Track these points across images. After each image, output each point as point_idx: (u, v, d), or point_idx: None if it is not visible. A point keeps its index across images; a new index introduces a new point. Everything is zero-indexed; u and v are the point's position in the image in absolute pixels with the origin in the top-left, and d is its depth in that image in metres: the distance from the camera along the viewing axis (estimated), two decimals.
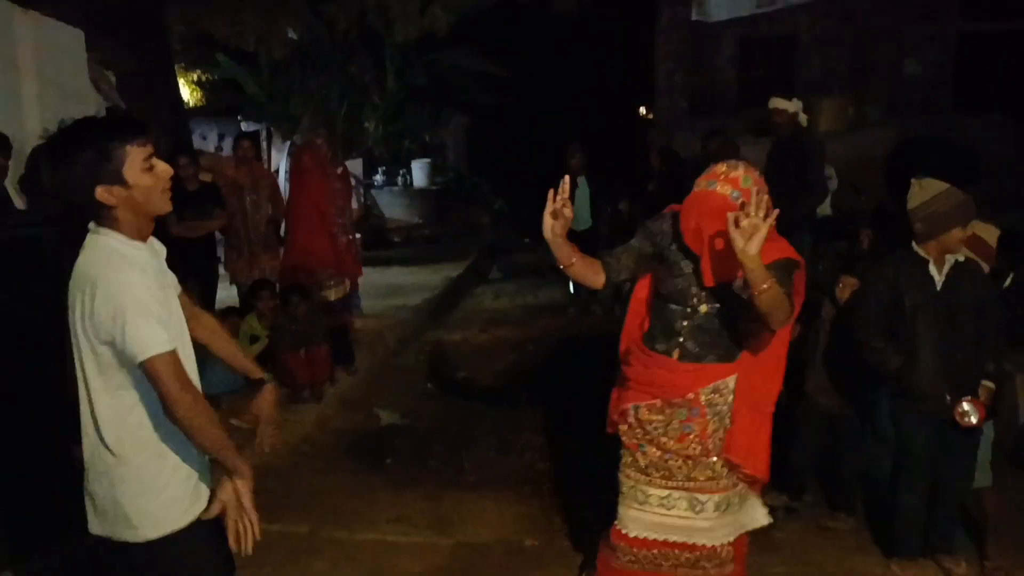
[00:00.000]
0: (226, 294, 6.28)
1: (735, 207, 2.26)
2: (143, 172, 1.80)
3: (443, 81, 12.62)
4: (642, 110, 17.16)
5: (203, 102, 12.84)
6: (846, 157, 7.25)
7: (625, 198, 7.35)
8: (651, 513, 2.69)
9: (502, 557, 3.35)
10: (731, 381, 2.62)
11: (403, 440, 4.67)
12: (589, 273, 2.71)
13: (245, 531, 1.86)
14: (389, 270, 8.99)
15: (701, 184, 2.45)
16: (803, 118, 6.10)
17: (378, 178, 13.14)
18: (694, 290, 2.58)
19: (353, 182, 6.98)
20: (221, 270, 6.19)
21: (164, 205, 1.86)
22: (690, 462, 2.63)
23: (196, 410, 1.75)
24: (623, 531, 2.73)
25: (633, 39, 12.93)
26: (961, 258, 3.02)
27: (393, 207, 12.68)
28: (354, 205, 6.75)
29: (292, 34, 10.56)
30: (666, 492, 2.67)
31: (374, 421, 4.95)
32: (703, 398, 2.61)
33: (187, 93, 11.97)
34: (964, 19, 10.62)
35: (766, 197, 2.28)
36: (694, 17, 10.71)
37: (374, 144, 12.75)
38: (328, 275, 5.35)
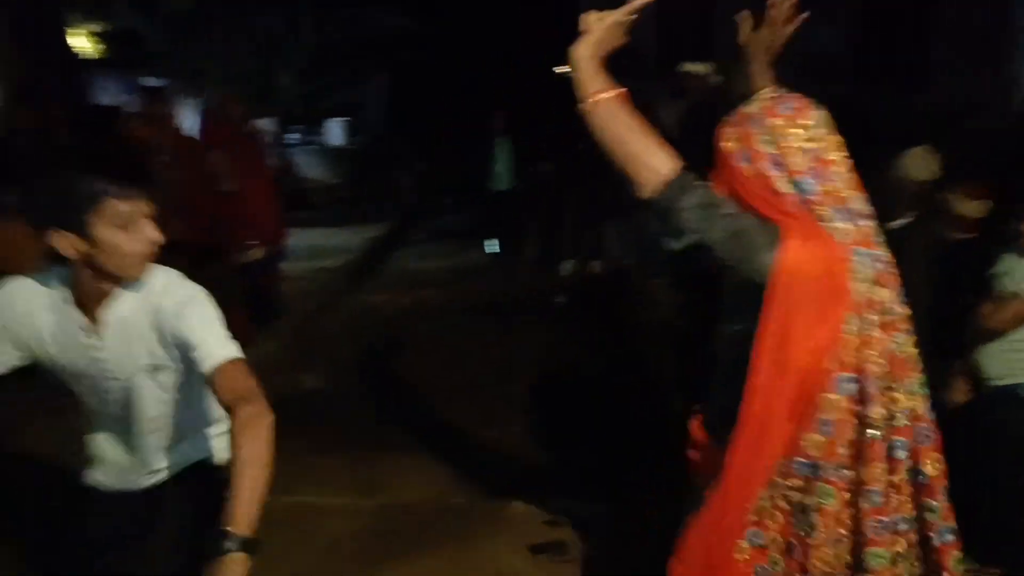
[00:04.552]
0: None
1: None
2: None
3: (361, 38, 12.31)
4: (567, 68, 17.12)
5: (104, 55, 12.15)
6: None
7: (547, 159, 7.38)
8: None
9: (428, 516, 3.38)
10: None
11: (326, 404, 4.63)
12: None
13: None
14: (309, 231, 8.80)
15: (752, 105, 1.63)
16: (717, 80, 6.18)
17: (293, 136, 12.79)
18: None
19: (267, 140, 6.78)
20: None
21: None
22: None
23: None
24: None
25: None
26: None
27: (310, 167, 12.39)
28: (270, 165, 6.57)
29: None
30: None
31: (297, 385, 4.89)
32: None
33: (87, 44, 11.30)
34: None
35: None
36: None
37: (288, 101, 12.37)
38: (245, 236, 5.22)
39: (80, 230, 1.59)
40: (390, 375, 5.07)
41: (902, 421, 1.52)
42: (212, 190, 5.19)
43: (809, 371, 1.46)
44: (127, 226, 1.62)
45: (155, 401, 1.83)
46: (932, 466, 1.57)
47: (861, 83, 10.49)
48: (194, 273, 2.28)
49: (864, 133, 2.07)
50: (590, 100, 1.57)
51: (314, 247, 8.11)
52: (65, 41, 7.48)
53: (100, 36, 12.09)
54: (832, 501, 1.54)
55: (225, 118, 5.47)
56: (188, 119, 9.97)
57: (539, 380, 4.85)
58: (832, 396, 1.49)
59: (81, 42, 10.90)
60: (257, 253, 5.33)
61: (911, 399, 1.53)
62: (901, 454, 1.53)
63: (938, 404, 2.82)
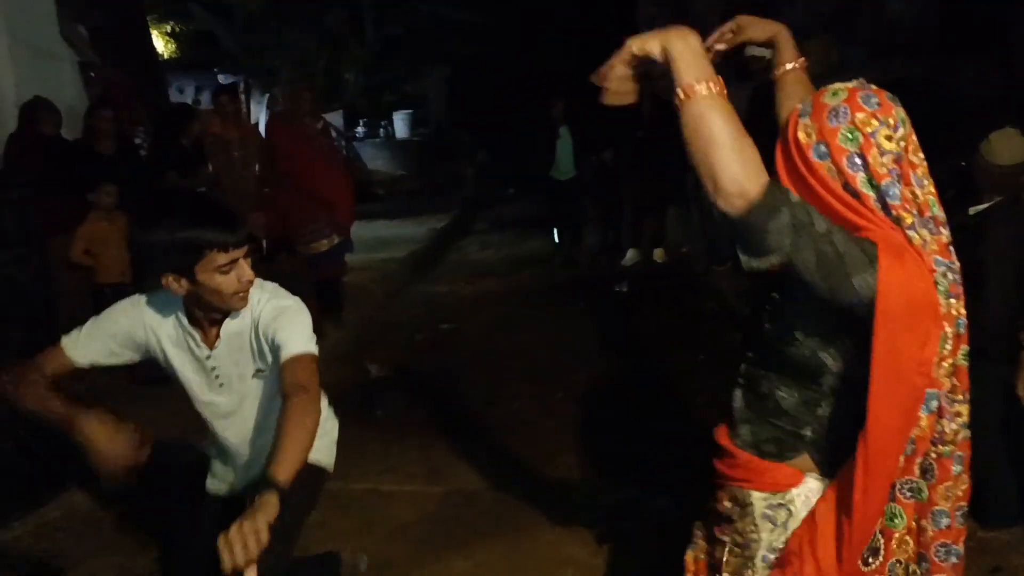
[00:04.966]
0: None
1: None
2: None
3: (421, 32, 12.43)
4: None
5: (178, 54, 12.58)
6: None
7: (608, 148, 7.33)
8: None
9: (492, 503, 3.43)
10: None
11: (393, 393, 4.73)
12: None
13: None
14: (374, 223, 8.96)
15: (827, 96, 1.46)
16: None
17: (360, 130, 13.02)
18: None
19: (334, 134, 6.93)
20: None
21: None
22: None
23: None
24: None
25: None
26: None
27: (376, 159, 12.60)
28: (340, 158, 6.70)
29: None
30: None
31: (363, 374, 5.00)
32: None
33: (161, 45, 11.72)
34: None
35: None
36: None
37: (354, 96, 12.59)
38: (314, 227, 5.34)
39: (187, 276, 1.84)
40: (453, 364, 5.14)
41: (963, 434, 1.47)
42: (283, 184, 5.34)
43: (920, 393, 1.40)
44: (227, 271, 1.86)
45: (259, 405, 2.08)
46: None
47: (942, 58, 10.05)
48: (266, 265, 2.33)
49: (947, 112, 1.96)
50: (688, 88, 1.36)
51: (378, 238, 8.26)
52: (144, 42, 7.78)
53: (177, 37, 12.53)
54: (900, 523, 1.48)
55: (295, 114, 5.60)
56: (260, 115, 10.27)
57: (603, 370, 4.85)
58: (921, 414, 1.43)
59: (159, 43, 11.31)
60: (324, 245, 5.47)
61: (966, 411, 1.46)
62: (957, 468, 1.47)
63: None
